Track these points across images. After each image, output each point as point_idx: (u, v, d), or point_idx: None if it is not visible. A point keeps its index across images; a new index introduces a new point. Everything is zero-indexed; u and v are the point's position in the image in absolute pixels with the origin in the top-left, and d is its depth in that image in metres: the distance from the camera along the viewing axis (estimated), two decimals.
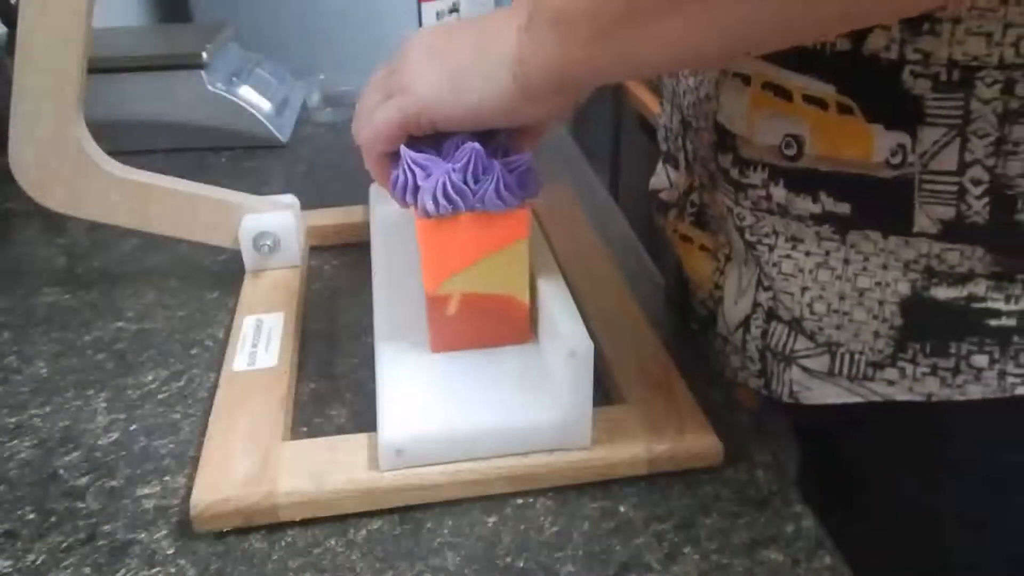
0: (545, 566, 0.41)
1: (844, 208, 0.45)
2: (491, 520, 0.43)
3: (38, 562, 0.41)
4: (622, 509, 0.44)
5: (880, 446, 0.51)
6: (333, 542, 0.42)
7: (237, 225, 0.62)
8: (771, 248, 0.49)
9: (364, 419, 0.50)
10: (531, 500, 0.44)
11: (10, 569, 0.41)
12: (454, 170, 0.43)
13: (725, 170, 0.50)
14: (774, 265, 0.49)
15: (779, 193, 0.47)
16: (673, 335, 0.56)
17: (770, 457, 0.47)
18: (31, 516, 0.44)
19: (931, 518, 0.50)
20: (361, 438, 0.46)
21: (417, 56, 0.45)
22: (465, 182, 0.44)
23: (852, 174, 0.44)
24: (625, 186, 2.04)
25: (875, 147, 0.43)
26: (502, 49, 0.41)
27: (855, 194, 0.45)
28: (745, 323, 0.52)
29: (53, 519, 0.44)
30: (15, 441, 0.49)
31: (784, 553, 0.41)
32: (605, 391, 0.51)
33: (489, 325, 0.49)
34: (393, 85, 0.46)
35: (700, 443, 0.45)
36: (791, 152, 0.46)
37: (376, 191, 0.69)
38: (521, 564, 0.41)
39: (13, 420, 0.51)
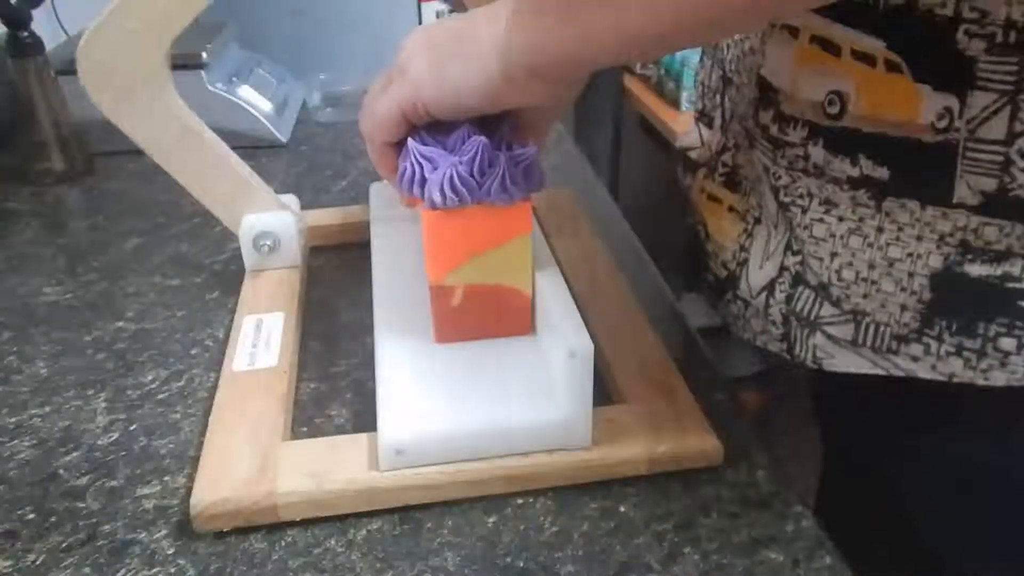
0: (545, 566, 0.41)
1: (883, 173, 0.44)
2: (491, 520, 0.43)
3: (38, 562, 0.41)
4: (622, 509, 0.44)
5: (899, 444, 0.51)
6: (333, 542, 0.42)
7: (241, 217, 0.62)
8: (804, 210, 0.48)
9: (364, 419, 0.50)
10: (531, 500, 0.44)
11: (10, 569, 0.41)
12: (461, 163, 0.44)
13: (764, 126, 0.50)
14: (805, 228, 0.49)
15: (817, 153, 0.46)
16: (672, 332, 0.56)
17: (770, 457, 0.47)
18: (31, 516, 0.44)
19: (940, 521, 0.50)
20: (361, 438, 0.46)
21: (413, 47, 0.46)
22: (472, 175, 0.44)
23: (894, 137, 0.43)
24: (625, 187, 2.04)
25: (922, 109, 0.42)
26: (488, 36, 0.42)
27: (895, 158, 0.44)
28: (770, 286, 0.52)
29: (53, 519, 0.44)
30: (15, 441, 0.49)
31: (784, 553, 0.41)
32: (605, 391, 0.51)
33: (492, 316, 0.49)
34: (392, 77, 0.47)
35: (700, 443, 0.45)
36: (834, 110, 0.45)
37: (376, 191, 0.69)
38: (521, 564, 0.41)
39: (13, 420, 0.51)
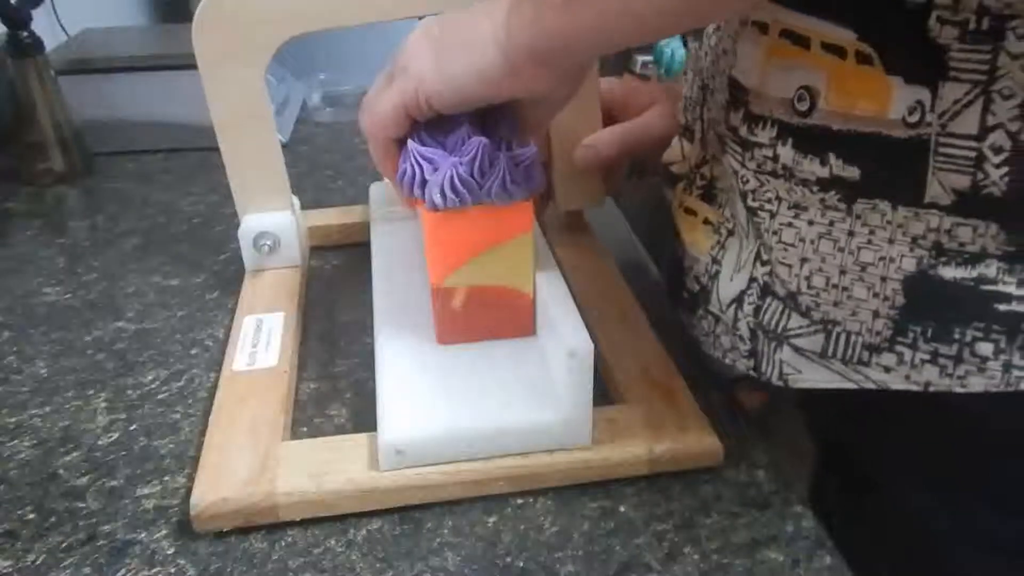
0: (545, 566, 0.41)
1: (853, 172, 0.43)
2: (491, 520, 0.43)
3: (38, 562, 0.41)
4: (622, 509, 0.44)
5: (886, 450, 0.51)
6: (333, 542, 0.42)
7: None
8: (772, 215, 0.47)
9: (364, 419, 0.50)
10: (531, 500, 0.44)
11: (10, 569, 0.41)
12: (461, 163, 0.44)
13: (734, 128, 0.49)
14: (774, 233, 0.47)
15: (786, 153, 0.46)
16: (671, 332, 0.56)
17: (770, 457, 0.47)
18: (31, 516, 0.44)
19: (931, 531, 0.50)
20: (361, 438, 0.46)
21: (413, 44, 0.45)
22: (472, 175, 0.44)
23: (865, 133, 0.42)
24: (625, 186, 2.03)
25: (893, 102, 0.41)
26: (489, 25, 0.42)
27: (866, 156, 0.43)
28: (739, 299, 0.50)
29: (53, 519, 0.44)
30: (15, 441, 0.49)
31: (784, 553, 0.41)
32: (605, 391, 0.51)
33: (494, 317, 0.49)
34: (393, 72, 0.46)
35: (700, 443, 0.45)
36: (803, 106, 0.44)
37: (376, 191, 0.69)
38: (521, 564, 0.41)
39: (13, 420, 0.51)
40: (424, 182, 0.45)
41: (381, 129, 0.47)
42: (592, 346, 0.42)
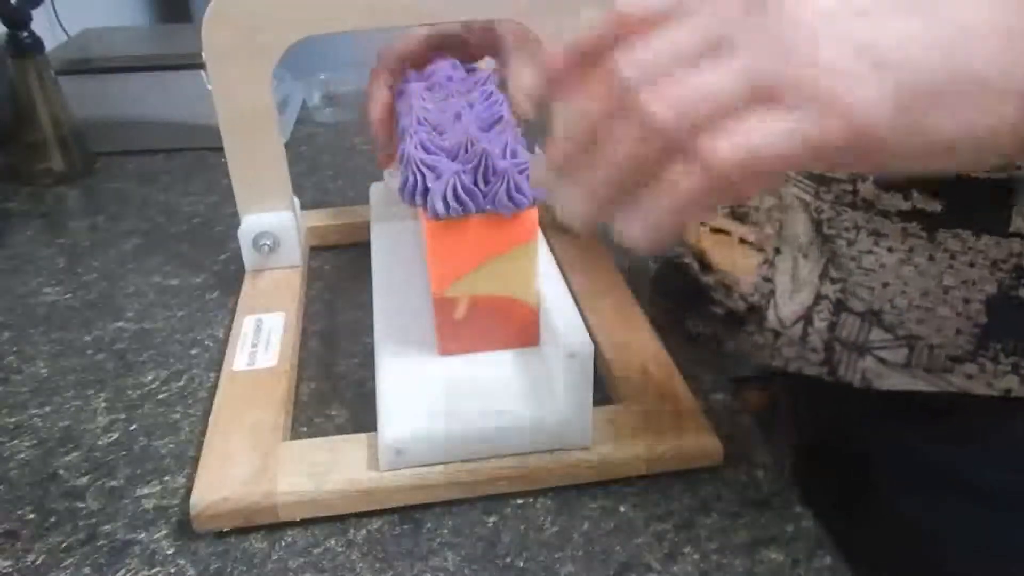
0: (545, 566, 0.41)
1: (936, 206, 0.44)
2: (491, 520, 0.43)
3: (38, 562, 0.41)
4: (622, 509, 0.44)
5: (884, 451, 0.51)
6: (333, 542, 0.42)
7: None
8: (850, 243, 0.48)
9: (364, 419, 0.50)
10: (531, 500, 0.44)
11: (10, 569, 0.41)
12: (464, 171, 0.43)
13: None
14: (852, 259, 0.48)
15: (867, 189, 0.46)
16: (672, 333, 0.56)
17: (770, 457, 0.47)
18: (31, 516, 0.44)
19: (928, 536, 0.50)
20: (361, 438, 0.46)
21: (828, 42, 0.26)
22: (475, 183, 0.43)
23: (948, 173, 0.43)
24: None
25: None
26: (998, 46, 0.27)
27: (949, 193, 0.44)
28: (806, 316, 0.51)
29: (53, 519, 0.44)
30: (15, 441, 0.49)
31: (784, 553, 0.41)
32: (605, 391, 0.51)
33: (497, 328, 0.48)
34: (782, 78, 0.26)
35: (700, 443, 0.45)
36: None
37: (376, 191, 0.69)
38: (521, 564, 0.41)
39: (13, 420, 0.51)
40: (426, 190, 0.44)
41: (758, 177, 0.27)
42: (592, 346, 0.42)
